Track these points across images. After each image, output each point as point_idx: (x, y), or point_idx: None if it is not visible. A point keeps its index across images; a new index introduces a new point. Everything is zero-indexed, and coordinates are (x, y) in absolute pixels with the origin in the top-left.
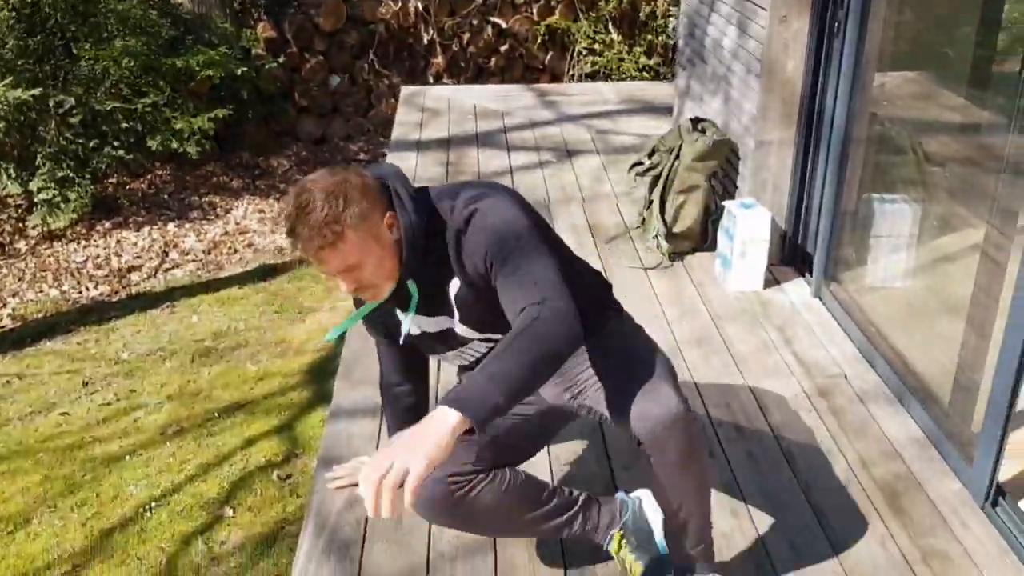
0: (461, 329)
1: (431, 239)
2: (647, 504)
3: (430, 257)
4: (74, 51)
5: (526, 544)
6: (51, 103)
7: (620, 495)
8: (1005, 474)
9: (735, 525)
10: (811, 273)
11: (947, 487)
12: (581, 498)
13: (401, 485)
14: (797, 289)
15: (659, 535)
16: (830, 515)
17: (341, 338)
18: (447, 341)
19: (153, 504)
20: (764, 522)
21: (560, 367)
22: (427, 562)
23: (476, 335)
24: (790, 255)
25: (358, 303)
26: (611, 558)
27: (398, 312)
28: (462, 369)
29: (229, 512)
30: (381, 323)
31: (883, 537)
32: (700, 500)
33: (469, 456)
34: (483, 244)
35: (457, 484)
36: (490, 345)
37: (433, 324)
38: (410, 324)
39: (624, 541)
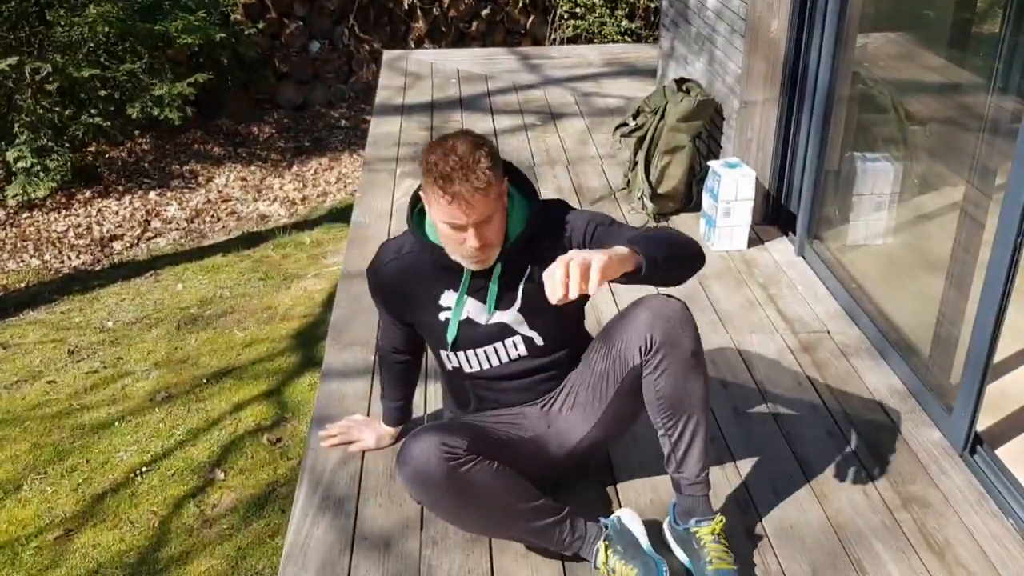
0: (513, 318)
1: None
2: (627, 518)
3: (522, 238)
4: (48, 17)
5: None
6: (27, 71)
7: (600, 520)
8: (983, 423)
9: (721, 476)
10: (794, 232)
11: (927, 436)
12: (567, 508)
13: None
14: (781, 248)
15: (646, 542)
16: (813, 464)
17: (328, 301)
18: (490, 333)
19: (144, 469)
20: (749, 473)
21: (688, 276)
22: (421, 517)
23: (525, 328)
24: (774, 214)
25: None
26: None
27: (447, 296)
28: (474, 379)
29: (220, 475)
30: (430, 306)
31: (864, 484)
32: (705, 406)
33: (463, 439)
34: (586, 219)
35: (450, 454)
36: (527, 346)
37: (484, 314)
38: (467, 309)
39: (610, 551)
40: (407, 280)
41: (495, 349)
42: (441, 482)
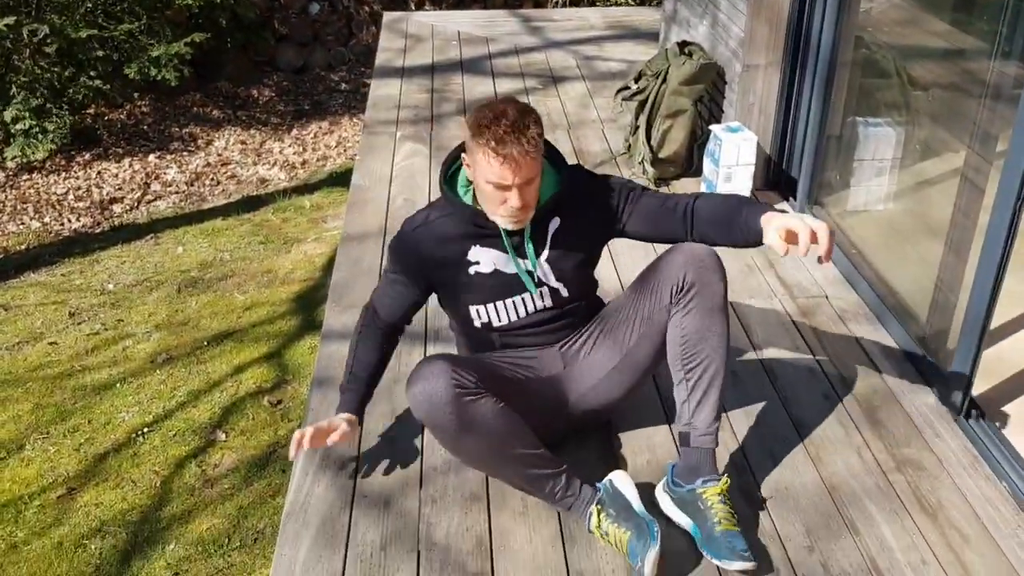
0: (542, 271)
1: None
2: (619, 482)
3: (553, 199)
4: None
5: None
6: (25, 32)
7: (596, 484)
8: (978, 388)
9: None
10: (795, 197)
11: (922, 401)
12: (565, 465)
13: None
14: None
15: (638, 505)
16: (809, 427)
17: (328, 265)
18: (515, 284)
19: (145, 429)
20: (746, 435)
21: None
22: (420, 475)
23: (552, 280)
24: (775, 179)
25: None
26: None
27: (475, 251)
28: (501, 332)
29: (221, 436)
30: (449, 261)
31: (859, 447)
32: (724, 356)
33: (474, 374)
34: (614, 184)
35: (459, 384)
36: (553, 297)
37: (511, 264)
38: (495, 259)
39: (603, 515)
40: (435, 244)
41: (523, 300)
42: (446, 408)
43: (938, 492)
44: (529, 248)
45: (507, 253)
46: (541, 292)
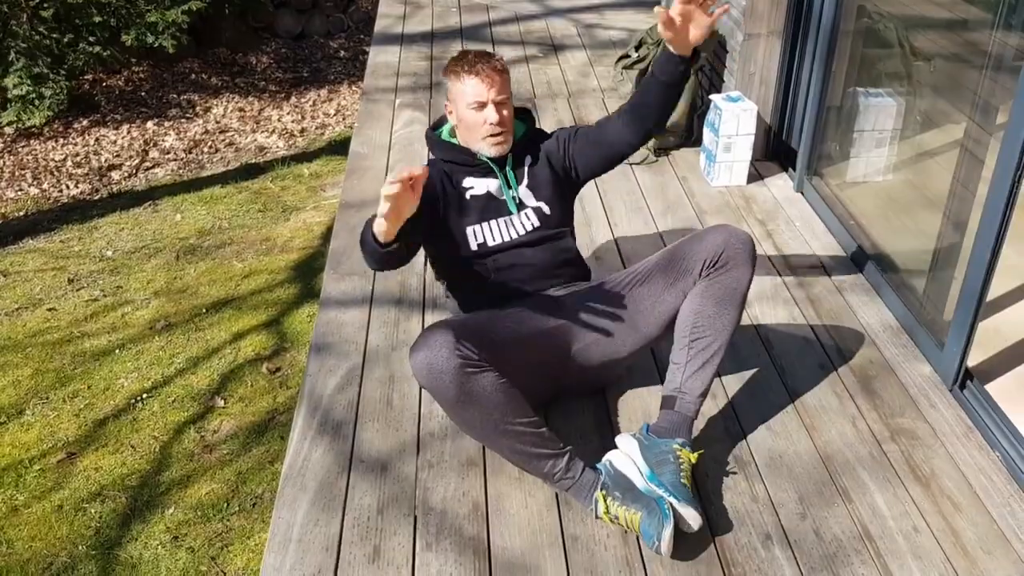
0: (524, 192)
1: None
2: (618, 462)
3: (525, 136)
4: None
5: None
6: None
7: (596, 467)
8: (973, 359)
9: (713, 405)
10: (794, 168)
11: (918, 371)
12: (568, 448)
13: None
14: (780, 184)
15: (641, 483)
16: (804, 397)
17: (326, 234)
18: (505, 207)
19: (144, 395)
20: (741, 403)
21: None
22: (417, 440)
23: (533, 200)
24: (774, 150)
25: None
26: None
27: (468, 180)
28: (496, 253)
29: (220, 403)
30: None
31: (854, 417)
32: (727, 340)
33: (478, 348)
34: (567, 127)
35: (463, 356)
36: (538, 216)
37: (501, 190)
38: (488, 185)
39: (610, 499)
40: (438, 178)
41: (511, 221)
42: (446, 377)
43: (931, 461)
44: (510, 174)
45: (498, 179)
46: (526, 213)
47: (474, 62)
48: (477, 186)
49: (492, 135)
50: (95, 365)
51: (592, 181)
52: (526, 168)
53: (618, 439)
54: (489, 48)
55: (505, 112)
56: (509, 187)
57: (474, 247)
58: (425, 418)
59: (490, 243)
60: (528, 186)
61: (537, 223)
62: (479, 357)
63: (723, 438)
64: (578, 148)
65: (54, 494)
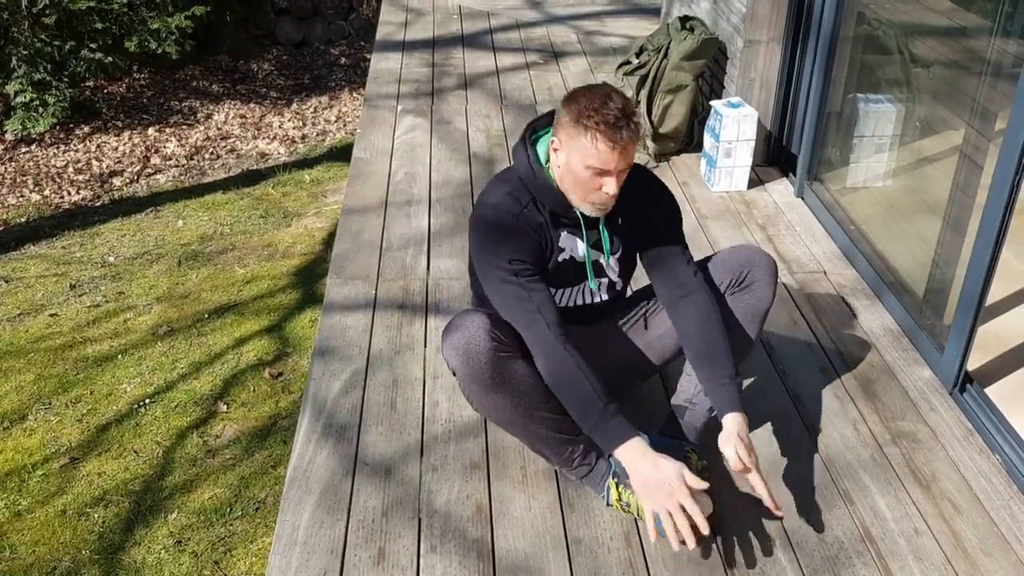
0: (608, 261)
1: None
2: None
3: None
4: None
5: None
6: (23, 2)
7: (609, 457)
8: (973, 363)
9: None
10: (795, 173)
11: (918, 375)
12: (583, 435)
13: None
14: (780, 189)
15: None
16: (805, 400)
17: (328, 240)
18: (581, 271)
19: (147, 401)
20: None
21: None
22: (421, 443)
23: (614, 274)
24: (775, 155)
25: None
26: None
27: (564, 239)
28: (570, 315)
29: (223, 408)
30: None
31: (855, 420)
32: (742, 361)
33: (512, 336)
34: (666, 202)
35: (496, 341)
36: (609, 290)
37: (585, 254)
38: (576, 246)
39: (622, 487)
40: (533, 230)
41: (583, 289)
42: (482, 358)
43: (932, 464)
44: (605, 239)
45: (585, 242)
46: (600, 284)
47: (616, 125)
48: (568, 247)
49: (601, 203)
50: (97, 370)
51: None
52: (616, 232)
53: None
54: (490, 56)
55: (623, 178)
56: (598, 249)
57: None
58: (429, 421)
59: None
60: (611, 252)
61: (606, 296)
62: (510, 346)
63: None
64: (657, 236)
65: (57, 499)
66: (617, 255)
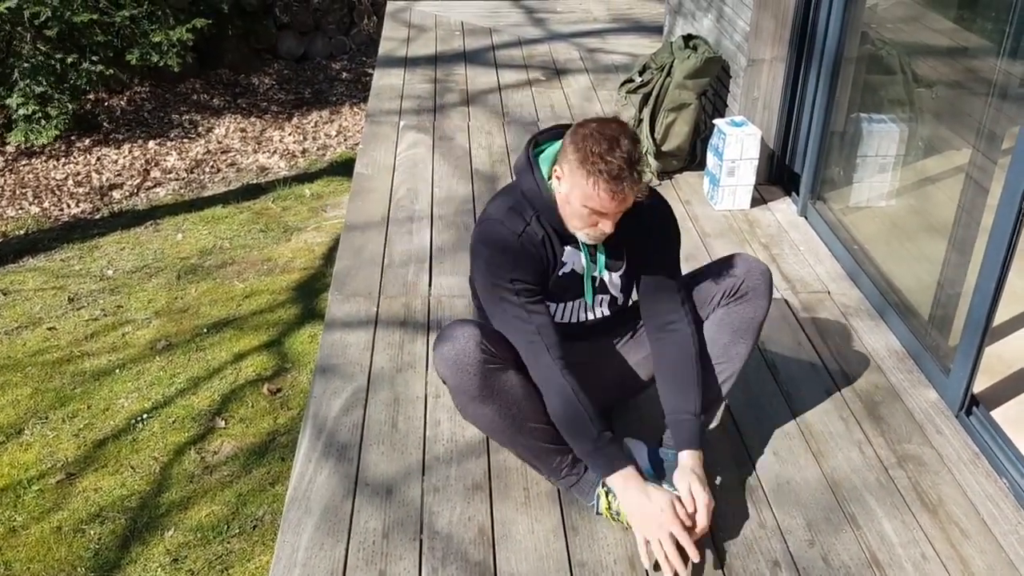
0: (610, 278)
1: None
2: None
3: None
4: None
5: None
6: (26, 15)
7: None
8: (979, 385)
9: (720, 432)
10: (798, 192)
11: (924, 397)
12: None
13: None
14: (784, 208)
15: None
16: (811, 422)
17: (328, 255)
18: (580, 286)
19: (145, 416)
20: (748, 428)
21: None
22: (422, 464)
23: (616, 289)
24: (778, 174)
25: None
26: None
27: (567, 253)
28: (571, 330)
29: (221, 423)
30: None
31: (860, 442)
32: (737, 376)
33: (502, 347)
34: (668, 228)
35: (484, 348)
36: (610, 306)
37: (586, 267)
38: (577, 260)
39: (611, 496)
40: (536, 248)
41: (584, 304)
42: (471, 370)
43: (939, 488)
44: (606, 256)
45: (587, 258)
46: (602, 299)
47: (619, 176)
48: (570, 262)
49: (595, 237)
50: (95, 385)
51: None
52: (618, 249)
53: (626, 440)
54: (492, 72)
55: (619, 216)
56: (594, 263)
57: None
58: (431, 441)
59: (556, 319)
60: (613, 269)
61: (607, 312)
62: (501, 357)
63: (729, 464)
64: (656, 255)
65: (53, 515)
66: (619, 272)
